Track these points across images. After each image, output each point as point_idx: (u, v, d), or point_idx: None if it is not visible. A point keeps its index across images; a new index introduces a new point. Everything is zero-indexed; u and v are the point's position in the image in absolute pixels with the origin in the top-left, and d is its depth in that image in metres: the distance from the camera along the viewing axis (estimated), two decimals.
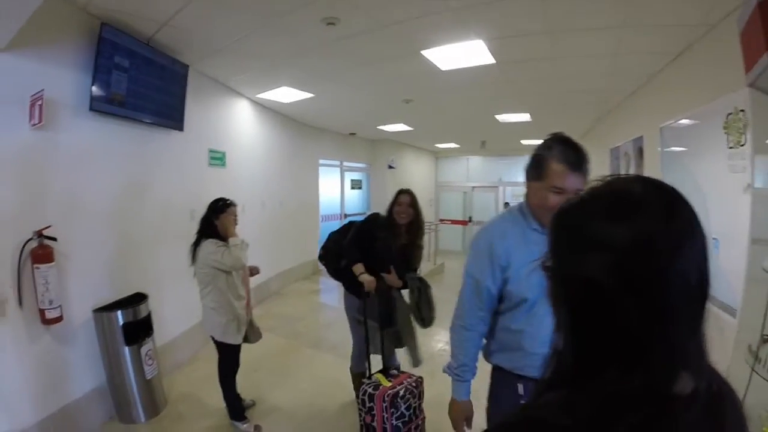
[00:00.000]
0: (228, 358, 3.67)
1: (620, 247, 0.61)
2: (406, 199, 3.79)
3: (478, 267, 1.90)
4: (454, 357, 2.00)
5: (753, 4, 2.39)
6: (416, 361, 3.81)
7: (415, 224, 3.85)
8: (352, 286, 3.82)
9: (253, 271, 3.96)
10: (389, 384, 3.27)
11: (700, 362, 0.65)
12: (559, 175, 1.67)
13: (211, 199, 3.65)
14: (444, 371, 2.06)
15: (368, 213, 4.13)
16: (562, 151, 1.69)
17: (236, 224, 3.65)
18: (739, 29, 2.70)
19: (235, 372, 3.75)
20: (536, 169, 1.75)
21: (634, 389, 0.60)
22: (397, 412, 3.15)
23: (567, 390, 0.67)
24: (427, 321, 3.72)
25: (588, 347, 0.67)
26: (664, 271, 0.60)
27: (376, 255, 3.69)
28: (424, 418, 3.37)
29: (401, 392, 3.21)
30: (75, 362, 3.49)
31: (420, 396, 3.36)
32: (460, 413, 1.99)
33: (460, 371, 1.97)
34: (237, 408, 3.74)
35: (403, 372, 3.56)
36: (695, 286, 0.62)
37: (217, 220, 3.54)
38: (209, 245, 3.44)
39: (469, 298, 1.94)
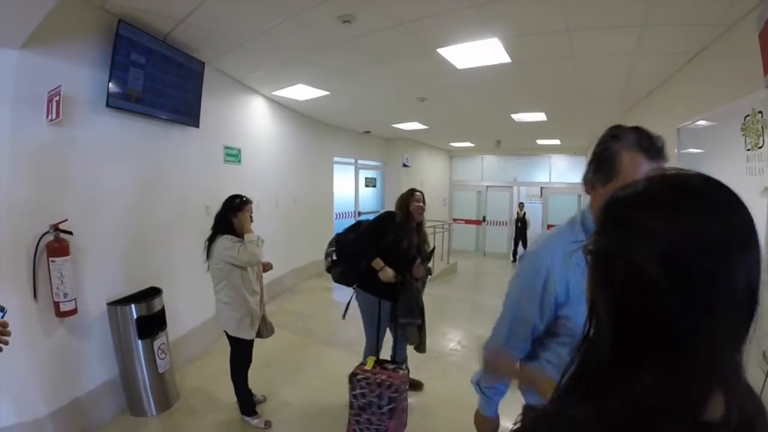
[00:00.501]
0: (241, 353, 3.69)
1: (671, 238, 0.59)
2: (420, 196, 3.98)
3: (527, 300, 1.57)
4: (484, 377, 1.75)
5: None
6: (422, 348, 4.10)
7: (422, 220, 4.06)
8: (377, 289, 3.90)
9: (267, 266, 3.98)
10: (373, 369, 3.50)
11: (736, 384, 0.62)
12: (637, 167, 1.33)
13: (226, 196, 3.67)
14: (472, 385, 1.80)
15: (382, 211, 4.23)
16: (635, 139, 1.37)
17: (252, 221, 3.68)
18: (758, 29, 2.65)
19: (248, 367, 3.78)
20: (604, 167, 1.42)
21: (668, 405, 0.58)
22: (357, 393, 3.43)
23: (598, 397, 0.64)
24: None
25: (625, 339, 0.64)
26: (712, 273, 0.58)
27: (399, 251, 3.84)
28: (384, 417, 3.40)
29: (380, 381, 3.38)
30: (88, 355, 3.54)
31: (393, 394, 3.37)
32: (487, 429, 1.82)
33: (490, 393, 1.75)
34: (248, 403, 3.77)
35: (400, 369, 3.58)
36: (741, 298, 0.59)
37: (234, 217, 3.56)
38: (225, 241, 3.45)
39: (510, 329, 1.64)
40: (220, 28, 4.13)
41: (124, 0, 3.49)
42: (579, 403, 0.66)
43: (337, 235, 4.34)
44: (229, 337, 3.64)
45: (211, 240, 3.54)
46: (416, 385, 4.33)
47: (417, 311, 3.97)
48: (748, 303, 0.61)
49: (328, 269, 4.21)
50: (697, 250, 0.58)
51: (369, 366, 3.57)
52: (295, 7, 3.67)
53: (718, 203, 0.62)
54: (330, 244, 4.24)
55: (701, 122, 4.12)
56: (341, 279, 4.15)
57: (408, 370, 3.66)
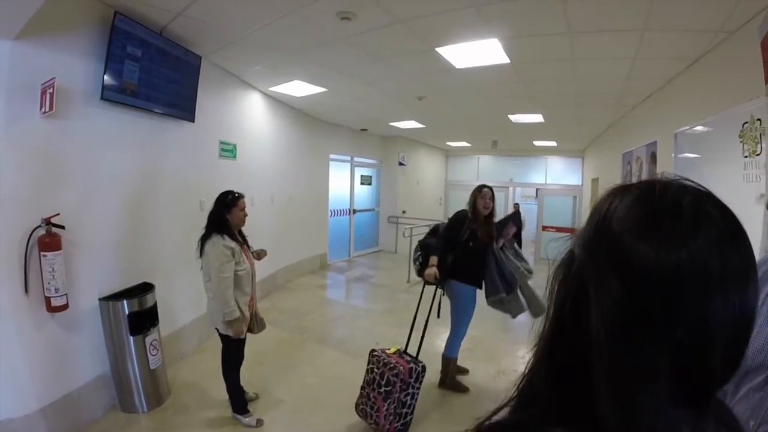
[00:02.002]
0: (232, 351, 3.67)
1: (644, 260, 0.53)
2: (487, 192, 4.33)
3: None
4: None
5: None
6: (539, 309, 4.13)
7: (492, 213, 4.36)
8: (469, 276, 4.27)
9: (261, 254, 3.95)
10: (391, 353, 3.73)
11: None
12: None
13: (221, 191, 3.65)
14: None
15: (454, 212, 4.57)
16: None
17: (246, 215, 3.68)
18: (760, 37, 2.64)
19: (239, 365, 3.76)
20: None
21: None
22: (368, 368, 3.74)
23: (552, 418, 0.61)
24: (528, 270, 4.36)
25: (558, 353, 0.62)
26: (671, 313, 0.52)
27: (476, 245, 4.24)
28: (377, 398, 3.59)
29: (387, 361, 3.62)
30: (79, 350, 3.50)
31: (392, 377, 3.54)
32: None
33: None
34: (240, 401, 3.74)
35: (414, 362, 3.65)
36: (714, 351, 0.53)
37: (229, 214, 3.55)
38: (218, 247, 3.42)
39: None
40: (217, 22, 4.09)
41: None
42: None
43: (420, 241, 4.68)
44: (220, 335, 3.62)
45: (205, 238, 3.51)
46: (459, 388, 4.49)
47: (500, 284, 4.22)
48: (727, 360, 0.55)
49: (419, 273, 4.51)
50: (670, 289, 0.52)
51: (391, 351, 3.78)
52: (295, 3, 3.63)
53: (709, 230, 0.54)
54: (416, 250, 4.63)
55: (699, 128, 4.12)
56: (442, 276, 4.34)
57: (423, 365, 3.71)
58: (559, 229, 12.58)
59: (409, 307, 7.33)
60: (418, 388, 3.64)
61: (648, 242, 0.54)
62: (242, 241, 3.72)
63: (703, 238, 0.53)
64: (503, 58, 4.77)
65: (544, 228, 12.84)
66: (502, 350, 5.41)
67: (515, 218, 4.33)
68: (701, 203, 0.57)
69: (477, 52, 4.66)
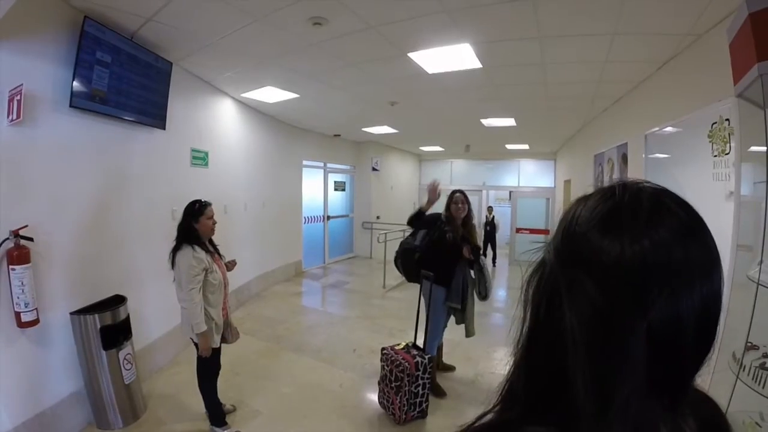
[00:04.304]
0: (206, 361, 3.57)
1: (609, 264, 0.55)
2: (459, 197, 4.52)
3: None
4: None
5: (744, 15, 2.39)
6: (470, 332, 4.60)
7: (468, 216, 4.57)
8: (442, 278, 4.42)
9: (230, 265, 3.84)
10: (400, 349, 4.09)
11: None
12: None
13: (192, 199, 3.57)
14: None
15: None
16: None
17: (215, 224, 3.60)
18: (729, 40, 2.70)
19: (215, 375, 3.68)
20: None
21: None
22: (381, 365, 4.12)
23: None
24: (483, 295, 4.58)
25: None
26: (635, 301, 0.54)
27: (446, 244, 4.38)
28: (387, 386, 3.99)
29: (394, 358, 3.96)
30: (52, 366, 3.38)
31: (399, 373, 3.87)
32: None
33: None
34: (218, 413, 3.67)
35: (419, 356, 3.95)
36: (667, 339, 0.54)
37: (197, 223, 3.47)
38: (188, 258, 3.35)
39: None
40: (188, 27, 4.02)
41: None
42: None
43: (401, 243, 4.91)
44: (195, 344, 3.53)
45: (175, 250, 3.43)
46: (447, 368, 5.00)
47: (457, 295, 4.45)
48: (692, 348, 0.57)
49: (398, 268, 4.83)
50: (625, 275, 0.54)
51: (400, 346, 4.14)
52: (266, 8, 3.60)
53: (668, 223, 0.57)
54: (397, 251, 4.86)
55: (668, 129, 4.22)
56: (408, 276, 4.76)
57: (428, 359, 3.99)
58: (532, 231, 12.78)
59: (385, 312, 7.38)
60: (428, 378, 3.94)
61: (612, 237, 0.56)
62: (213, 250, 3.65)
63: (665, 228, 0.56)
64: (475, 63, 4.81)
65: (518, 230, 13.00)
66: (480, 353, 5.43)
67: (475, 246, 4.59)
68: (659, 198, 0.60)
69: (449, 57, 4.69)
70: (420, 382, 3.86)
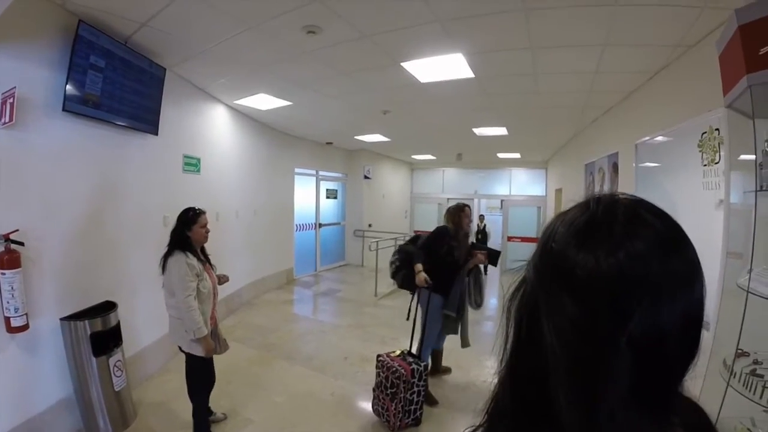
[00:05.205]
0: (197, 370, 3.54)
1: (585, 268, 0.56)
2: (468, 211, 4.68)
3: None
4: None
5: (733, 27, 2.42)
6: (466, 343, 4.78)
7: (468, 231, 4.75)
8: (440, 286, 4.49)
9: (222, 279, 3.82)
10: (396, 356, 4.10)
11: None
12: None
13: (185, 206, 3.55)
14: None
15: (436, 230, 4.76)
16: None
17: (208, 232, 3.58)
18: (718, 51, 2.74)
19: (210, 387, 3.67)
20: None
21: None
22: (376, 372, 4.10)
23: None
24: (478, 304, 4.80)
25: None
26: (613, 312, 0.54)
27: (452, 259, 4.52)
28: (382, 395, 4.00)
29: (390, 365, 3.97)
30: (42, 373, 3.33)
31: (395, 380, 3.89)
32: None
33: None
34: (204, 426, 3.63)
35: (415, 363, 3.97)
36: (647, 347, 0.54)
37: (190, 231, 3.45)
38: (181, 266, 3.31)
39: None
40: (183, 33, 4.02)
41: None
42: None
43: (400, 246, 5.03)
44: (185, 353, 3.49)
45: (167, 256, 3.40)
46: (445, 371, 5.16)
47: (455, 304, 4.55)
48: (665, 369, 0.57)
49: (393, 275, 4.79)
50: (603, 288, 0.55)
51: (396, 354, 4.15)
52: (261, 16, 3.62)
53: (645, 237, 0.57)
54: (393, 254, 4.86)
55: (659, 138, 4.26)
56: (404, 284, 4.71)
57: (424, 366, 4.02)
58: (524, 239, 12.81)
59: (377, 321, 7.36)
60: (423, 386, 3.95)
61: (587, 251, 0.57)
62: (205, 259, 3.62)
63: (640, 240, 0.56)
64: (467, 73, 4.84)
65: (510, 238, 13.04)
66: (471, 361, 5.42)
67: (491, 250, 4.85)
68: (634, 209, 0.60)
69: (441, 67, 4.71)
70: (415, 389, 3.87)
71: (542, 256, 0.63)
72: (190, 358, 3.49)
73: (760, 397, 2.24)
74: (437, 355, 5.01)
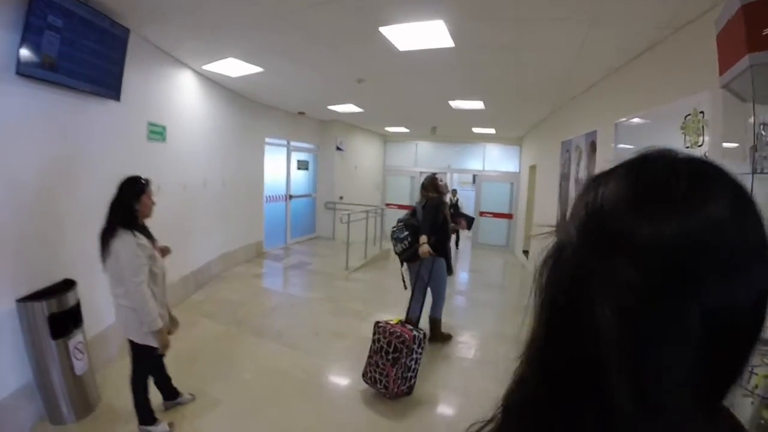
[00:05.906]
0: (146, 362, 3.32)
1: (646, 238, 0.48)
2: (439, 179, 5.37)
3: None
4: None
5: (735, 6, 2.36)
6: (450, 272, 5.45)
7: None
8: (444, 252, 5.24)
9: (165, 251, 3.47)
10: (395, 323, 4.16)
11: None
12: None
13: (149, 176, 3.28)
14: None
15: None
16: None
17: (154, 204, 3.27)
18: (717, 31, 2.69)
19: (151, 374, 3.46)
20: None
21: None
22: (375, 338, 4.15)
23: None
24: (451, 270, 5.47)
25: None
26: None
27: (447, 226, 5.27)
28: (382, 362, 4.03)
29: (392, 330, 4.05)
30: None
31: (399, 344, 3.96)
32: None
33: None
34: (146, 411, 3.36)
35: (415, 330, 4.12)
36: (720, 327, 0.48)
37: (138, 203, 3.13)
38: (130, 246, 2.99)
39: None
40: None
41: None
42: None
43: (404, 221, 5.33)
44: (135, 345, 3.20)
45: (110, 234, 3.04)
46: (445, 338, 5.47)
47: (451, 266, 5.43)
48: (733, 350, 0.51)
49: (403, 251, 5.22)
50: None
51: (394, 321, 4.19)
52: None
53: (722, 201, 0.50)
54: (400, 230, 5.24)
55: (638, 119, 4.24)
56: (410, 257, 5.19)
57: (423, 334, 4.17)
58: (496, 215, 12.87)
59: (348, 295, 7.31)
60: (421, 353, 4.08)
61: (653, 216, 0.49)
62: (149, 234, 3.28)
63: (715, 204, 0.49)
64: (448, 42, 4.68)
65: (482, 213, 13.11)
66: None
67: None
68: (704, 169, 0.54)
69: (421, 34, 4.55)
70: (414, 356, 3.98)
71: (592, 220, 0.54)
72: (141, 351, 3.22)
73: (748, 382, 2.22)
74: (436, 323, 5.37)
